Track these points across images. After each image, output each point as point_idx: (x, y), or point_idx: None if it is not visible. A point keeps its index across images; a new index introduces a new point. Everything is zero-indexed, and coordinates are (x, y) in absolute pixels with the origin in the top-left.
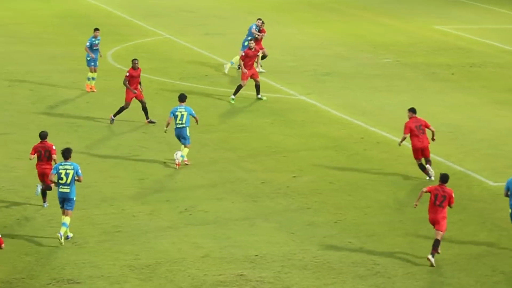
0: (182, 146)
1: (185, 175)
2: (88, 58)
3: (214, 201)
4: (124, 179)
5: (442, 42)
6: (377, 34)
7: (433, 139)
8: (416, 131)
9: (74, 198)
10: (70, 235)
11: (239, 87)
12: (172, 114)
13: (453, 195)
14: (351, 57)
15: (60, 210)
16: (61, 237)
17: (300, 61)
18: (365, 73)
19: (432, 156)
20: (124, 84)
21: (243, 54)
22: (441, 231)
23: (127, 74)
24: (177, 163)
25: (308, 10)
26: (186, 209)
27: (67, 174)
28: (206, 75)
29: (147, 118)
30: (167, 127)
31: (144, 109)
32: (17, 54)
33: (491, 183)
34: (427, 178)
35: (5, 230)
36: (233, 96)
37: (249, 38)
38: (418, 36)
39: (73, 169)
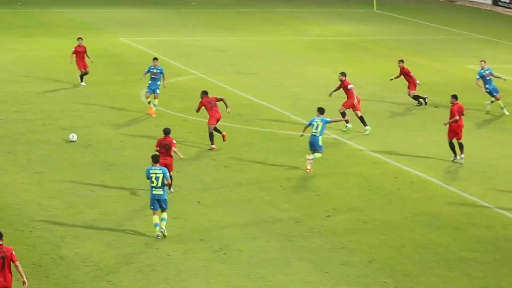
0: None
1: (219, 214)
2: (148, 84)
3: (248, 240)
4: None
5: (475, 81)
6: None
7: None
8: (459, 115)
9: (166, 198)
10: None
11: (361, 118)
12: (309, 123)
13: None
14: (384, 96)
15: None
16: (164, 231)
17: (333, 100)
18: (398, 113)
19: (465, 195)
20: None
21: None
22: None
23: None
24: (309, 168)
25: (340, 50)
26: (220, 248)
27: (157, 178)
28: (240, 114)
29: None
30: (303, 131)
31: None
32: (51, 93)
33: None
34: (453, 158)
35: (39, 269)
36: (367, 127)
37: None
38: (451, 75)
39: (162, 173)
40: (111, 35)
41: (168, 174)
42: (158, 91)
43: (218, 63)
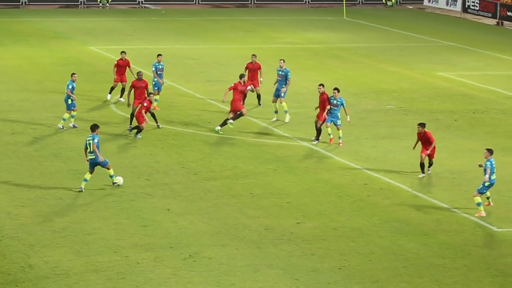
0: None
1: (188, 221)
2: (154, 82)
3: (218, 248)
4: (127, 226)
5: (445, 88)
6: (380, 81)
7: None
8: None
9: (100, 159)
10: (117, 181)
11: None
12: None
13: None
14: (354, 104)
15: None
16: (115, 184)
17: (304, 108)
18: (368, 120)
19: (435, 201)
20: None
21: None
22: None
23: None
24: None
25: (310, 57)
26: (190, 255)
27: (89, 144)
28: (209, 122)
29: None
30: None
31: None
32: (20, 102)
33: (495, 229)
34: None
35: (9, 277)
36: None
37: None
38: (420, 82)
39: (92, 140)
40: (80, 43)
41: (95, 140)
42: (162, 87)
43: (188, 71)
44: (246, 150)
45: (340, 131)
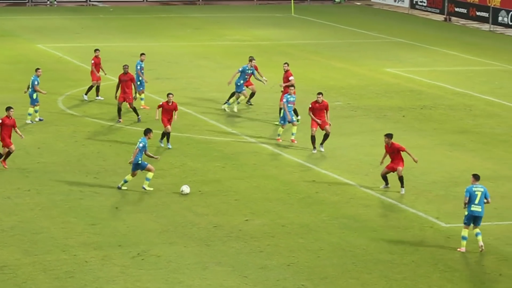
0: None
1: (137, 219)
2: (138, 82)
3: (167, 246)
4: (76, 225)
5: (393, 84)
6: (328, 78)
7: None
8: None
9: (140, 163)
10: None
11: None
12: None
13: None
14: (303, 101)
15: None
16: (145, 189)
17: (253, 105)
18: None
19: (383, 198)
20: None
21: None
22: None
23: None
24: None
25: (258, 54)
26: (138, 254)
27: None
28: (157, 119)
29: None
30: (465, 206)
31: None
32: None
33: (443, 224)
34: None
35: None
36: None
37: None
38: (369, 79)
39: (139, 142)
40: (28, 41)
41: (141, 144)
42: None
43: None
44: (194, 148)
45: (295, 128)
